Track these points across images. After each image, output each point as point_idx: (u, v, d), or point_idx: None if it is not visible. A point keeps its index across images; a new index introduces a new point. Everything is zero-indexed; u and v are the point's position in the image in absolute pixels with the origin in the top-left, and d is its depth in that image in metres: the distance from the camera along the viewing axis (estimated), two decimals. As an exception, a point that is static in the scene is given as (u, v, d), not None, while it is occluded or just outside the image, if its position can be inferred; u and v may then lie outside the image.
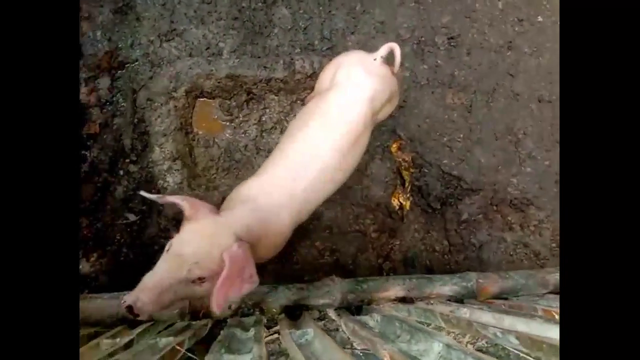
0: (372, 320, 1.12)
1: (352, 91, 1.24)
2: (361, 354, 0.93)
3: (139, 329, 1.12)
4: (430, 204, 1.67)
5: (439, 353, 0.71)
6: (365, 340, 0.88)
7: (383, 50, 1.31)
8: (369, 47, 1.84)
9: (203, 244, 0.91)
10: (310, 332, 1.00)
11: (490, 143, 1.78)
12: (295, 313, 1.31)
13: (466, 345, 1.07)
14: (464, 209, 1.70)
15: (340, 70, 1.31)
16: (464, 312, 1.06)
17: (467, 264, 1.65)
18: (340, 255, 1.58)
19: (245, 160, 1.69)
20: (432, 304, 1.25)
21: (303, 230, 1.62)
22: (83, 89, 1.67)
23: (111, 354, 0.88)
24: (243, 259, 0.92)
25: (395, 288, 1.32)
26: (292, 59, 1.72)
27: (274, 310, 1.27)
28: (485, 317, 0.97)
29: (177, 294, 0.90)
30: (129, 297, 0.85)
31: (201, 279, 0.89)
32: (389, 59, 1.33)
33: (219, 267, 0.88)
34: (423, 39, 1.86)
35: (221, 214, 1.03)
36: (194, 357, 0.88)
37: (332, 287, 1.29)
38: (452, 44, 1.86)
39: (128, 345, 0.98)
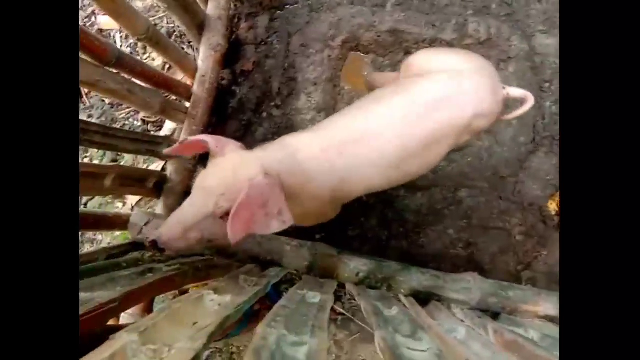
0: (528, 336, 0.96)
1: (463, 92, 0.97)
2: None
3: (270, 272, 1.10)
4: (597, 218, 1.39)
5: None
6: (541, 362, 0.73)
7: (517, 92, 1.09)
8: (557, 19, 1.55)
9: (228, 175, 0.83)
10: (462, 330, 0.87)
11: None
12: (418, 299, 1.20)
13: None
14: (639, 233, 1.39)
15: (469, 64, 1.04)
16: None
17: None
18: (476, 251, 1.41)
19: (387, 126, 1.56)
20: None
21: (435, 213, 1.47)
22: (243, 25, 1.67)
23: (256, 293, 0.85)
24: (268, 190, 0.81)
25: (547, 305, 1.12)
26: (465, 20, 1.51)
27: (402, 290, 1.17)
28: None
29: (204, 231, 0.84)
30: (154, 233, 0.82)
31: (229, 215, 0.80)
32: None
33: None
34: (632, 17, 1.50)
35: (252, 151, 0.92)
36: (356, 321, 0.82)
37: (472, 285, 1.14)
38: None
39: (266, 287, 0.96)
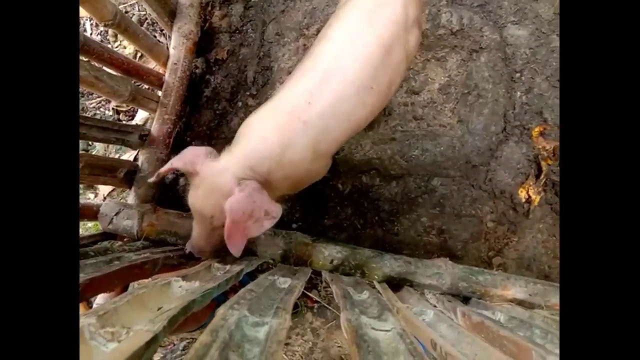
0: (495, 317, 0.99)
1: None
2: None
3: (244, 260, 1.10)
4: (564, 205, 1.44)
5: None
6: (505, 341, 0.75)
7: None
8: (528, 10, 1.58)
9: (209, 198, 0.89)
10: (430, 313, 0.89)
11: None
12: (391, 285, 1.22)
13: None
14: (603, 219, 1.44)
15: None
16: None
17: (592, 282, 1.42)
18: (448, 237, 1.44)
19: (363, 115, 1.57)
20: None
21: (409, 201, 1.49)
22: (216, 12, 1.64)
23: (227, 280, 0.85)
24: (248, 202, 0.84)
25: (516, 288, 1.15)
26: (438, 10, 1.53)
27: (375, 276, 1.19)
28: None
29: (221, 234, 0.90)
30: (188, 245, 1.01)
31: None
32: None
33: None
34: (599, 10, 1.54)
35: (220, 157, 0.93)
36: (331, 309, 0.83)
37: (443, 270, 1.17)
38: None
39: (239, 275, 0.96)
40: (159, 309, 0.63)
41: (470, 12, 1.54)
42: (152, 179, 0.96)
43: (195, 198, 0.91)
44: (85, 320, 0.49)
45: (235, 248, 0.86)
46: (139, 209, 1.16)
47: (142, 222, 1.14)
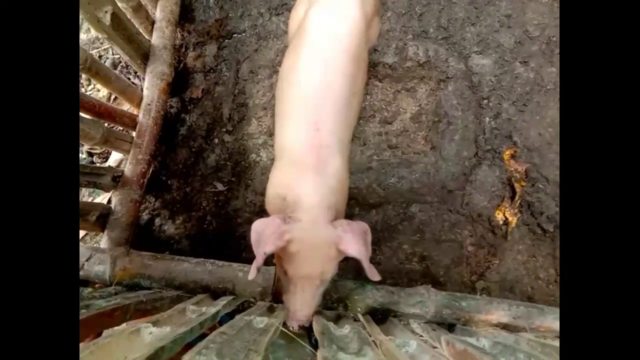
0: (479, 344, 0.97)
1: (336, 3, 1.03)
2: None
3: (221, 301, 1.06)
4: (540, 225, 1.46)
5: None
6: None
7: None
8: (490, 40, 1.66)
9: (316, 256, 0.91)
10: (413, 344, 0.87)
11: (622, 166, 1.51)
12: (376, 316, 1.19)
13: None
14: (579, 236, 1.46)
15: None
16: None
17: (576, 301, 1.42)
18: (430, 264, 1.43)
19: (339, 146, 1.59)
20: (545, 338, 1.06)
21: (389, 229, 1.49)
22: (191, 54, 1.68)
23: (201, 324, 0.82)
24: (358, 234, 0.91)
25: (500, 312, 1.14)
26: (405, 44, 1.59)
27: (359, 309, 1.16)
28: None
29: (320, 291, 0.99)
30: (292, 323, 0.93)
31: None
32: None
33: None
34: (554, 38, 1.64)
35: (294, 216, 0.91)
36: (304, 343, 0.80)
37: (426, 298, 1.15)
38: (589, 47, 1.62)
39: (215, 317, 0.92)
40: (125, 358, 0.60)
41: (435, 44, 1.61)
42: (250, 275, 0.86)
43: (301, 264, 0.88)
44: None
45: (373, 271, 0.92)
46: (112, 252, 1.12)
47: (115, 266, 1.10)
